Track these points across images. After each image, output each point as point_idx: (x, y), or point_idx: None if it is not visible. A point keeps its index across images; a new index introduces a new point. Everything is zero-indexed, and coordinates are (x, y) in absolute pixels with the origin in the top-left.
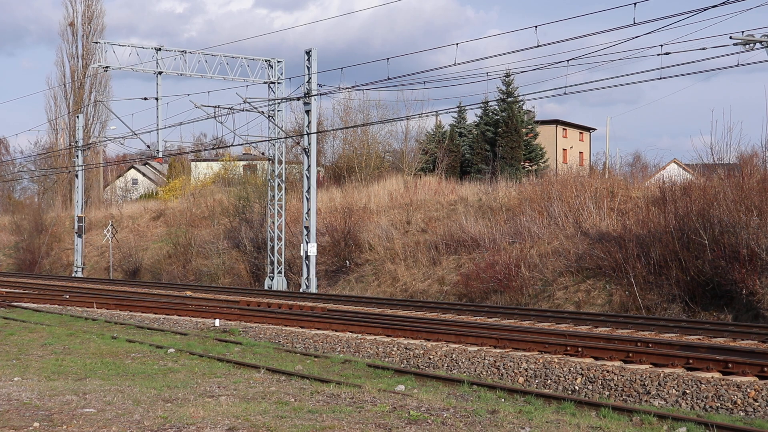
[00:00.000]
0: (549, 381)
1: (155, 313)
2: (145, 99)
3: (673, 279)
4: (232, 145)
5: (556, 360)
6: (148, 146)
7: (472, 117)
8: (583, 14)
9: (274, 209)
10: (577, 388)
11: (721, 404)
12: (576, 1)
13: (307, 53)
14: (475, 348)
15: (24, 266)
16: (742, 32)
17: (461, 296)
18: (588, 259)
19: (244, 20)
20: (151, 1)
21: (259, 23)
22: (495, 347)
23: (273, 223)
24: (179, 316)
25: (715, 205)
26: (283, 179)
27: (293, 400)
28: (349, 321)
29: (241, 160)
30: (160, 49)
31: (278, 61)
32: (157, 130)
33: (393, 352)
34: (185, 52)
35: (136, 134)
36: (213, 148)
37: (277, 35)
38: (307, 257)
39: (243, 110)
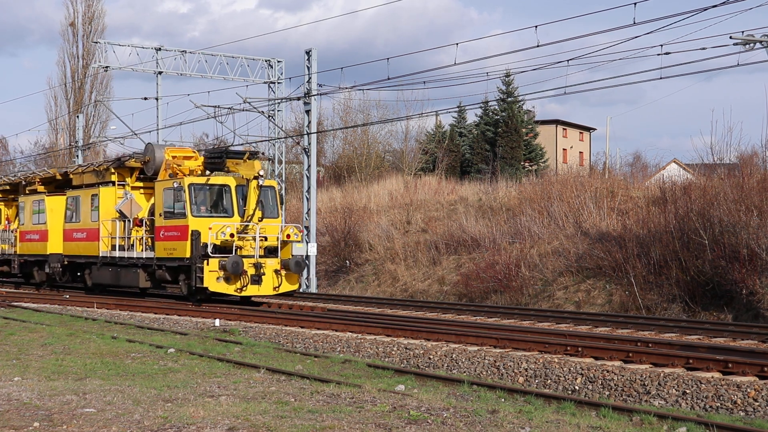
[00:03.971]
0: (549, 381)
1: (155, 313)
2: (145, 99)
3: (673, 279)
4: (232, 145)
5: (556, 360)
6: None
7: (472, 117)
8: (583, 14)
9: None
10: (577, 388)
11: (721, 404)
12: (576, 1)
13: (307, 53)
14: (475, 348)
15: None
16: (742, 32)
17: (461, 296)
18: (588, 259)
19: (247, 21)
20: (154, 1)
21: (263, 23)
22: (495, 347)
23: None
24: (179, 316)
25: (715, 205)
26: (283, 179)
27: (293, 399)
28: (349, 321)
29: None
30: (160, 49)
31: (278, 61)
32: (157, 130)
33: (393, 352)
34: (185, 52)
35: (136, 134)
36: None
37: (279, 35)
38: (307, 257)
39: (243, 110)
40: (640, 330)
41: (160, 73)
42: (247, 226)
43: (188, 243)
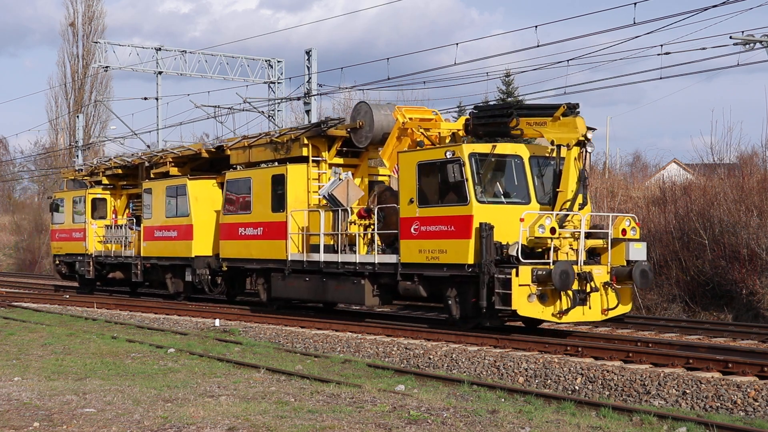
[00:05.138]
0: (549, 381)
1: (155, 313)
2: (146, 99)
3: (673, 279)
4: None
5: (556, 360)
6: (148, 146)
7: None
8: (583, 14)
9: None
10: (577, 387)
11: (721, 404)
12: (576, 1)
13: (307, 53)
14: (475, 348)
15: (24, 266)
16: (742, 32)
17: None
18: None
19: (248, 21)
20: (155, 1)
21: (264, 23)
22: (495, 347)
23: None
24: (179, 316)
25: (715, 205)
26: None
27: (293, 400)
28: (349, 321)
29: None
30: (160, 49)
31: (278, 61)
32: (157, 130)
33: (393, 352)
34: (185, 52)
35: (136, 134)
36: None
37: (281, 36)
38: None
39: (243, 110)
40: (640, 330)
41: (160, 73)
42: (566, 216)
43: (472, 242)
